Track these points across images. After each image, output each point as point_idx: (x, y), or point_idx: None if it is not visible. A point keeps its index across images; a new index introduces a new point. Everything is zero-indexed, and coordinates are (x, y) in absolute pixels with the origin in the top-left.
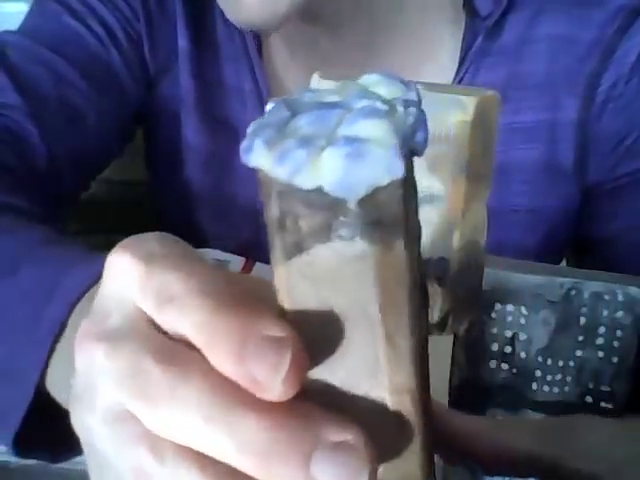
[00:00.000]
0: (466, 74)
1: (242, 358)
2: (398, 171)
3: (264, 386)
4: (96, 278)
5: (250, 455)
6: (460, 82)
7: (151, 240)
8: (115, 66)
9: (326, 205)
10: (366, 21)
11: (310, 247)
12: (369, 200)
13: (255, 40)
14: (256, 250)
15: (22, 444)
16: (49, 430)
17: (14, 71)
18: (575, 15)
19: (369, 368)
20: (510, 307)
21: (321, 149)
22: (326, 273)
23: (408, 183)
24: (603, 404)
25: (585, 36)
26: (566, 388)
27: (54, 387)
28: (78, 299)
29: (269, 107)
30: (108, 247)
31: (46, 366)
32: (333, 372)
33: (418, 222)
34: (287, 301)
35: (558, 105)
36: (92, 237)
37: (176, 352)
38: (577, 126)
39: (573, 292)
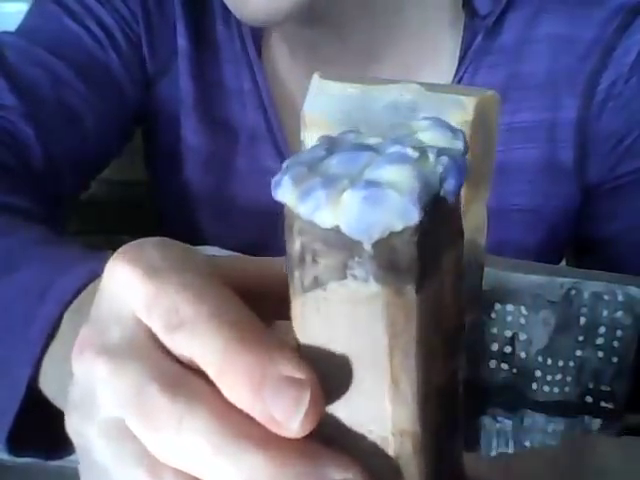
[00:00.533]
0: (465, 74)
1: (260, 396)
2: (412, 217)
3: (281, 425)
4: (91, 277)
5: None
6: (459, 82)
7: (152, 249)
8: (113, 67)
9: (343, 245)
10: (366, 21)
11: (326, 283)
12: (383, 243)
13: (254, 41)
14: (255, 251)
15: (16, 442)
16: (44, 428)
17: (11, 72)
18: (575, 14)
19: (374, 409)
20: (510, 307)
21: (342, 190)
22: (340, 310)
23: (429, 230)
24: (603, 404)
25: (585, 35)
26: (566, 388)
27: (47, 386)
28: (72, 298)
29: (311, 144)
30: (108, 247)
31: (39, 365)
32: (338, 409)
33: (458, 267)
34: (300, 333)
35: (558, 104)
36: (92, 237)
37: (182, 379)
38: (577, 125)
39: (573, 292)
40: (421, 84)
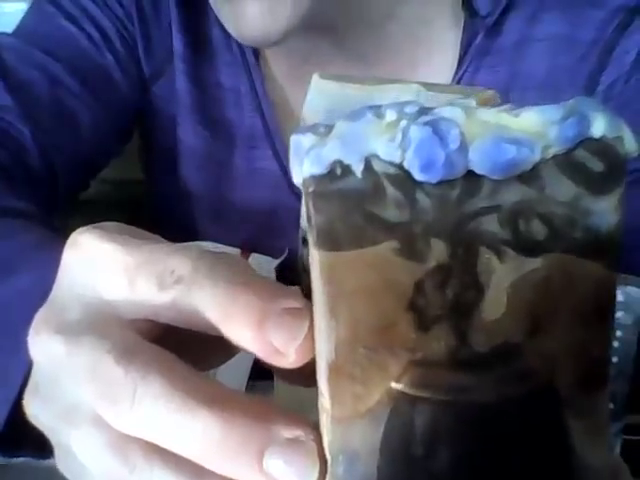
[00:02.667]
0: (465, 73)
1: (262, 328)
2: None
3: (281, 353)
4: None
5: (208, 448)
6: (460, 81)
7: (113, 228)
8: (109, 69)
9: None
10: (365, 26)
11: None
12: None
13: None
14: (252, 251)
15: (9, 443)
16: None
17: (7, 73)
18: (575, 14)
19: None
20: None
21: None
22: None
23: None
24: None
25: (585, 35)
26: None
27: None
28: None
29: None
30: None
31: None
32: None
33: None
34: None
35: None
36: None
37: (137, 348)
38: None
39: None
40: (421, 84)
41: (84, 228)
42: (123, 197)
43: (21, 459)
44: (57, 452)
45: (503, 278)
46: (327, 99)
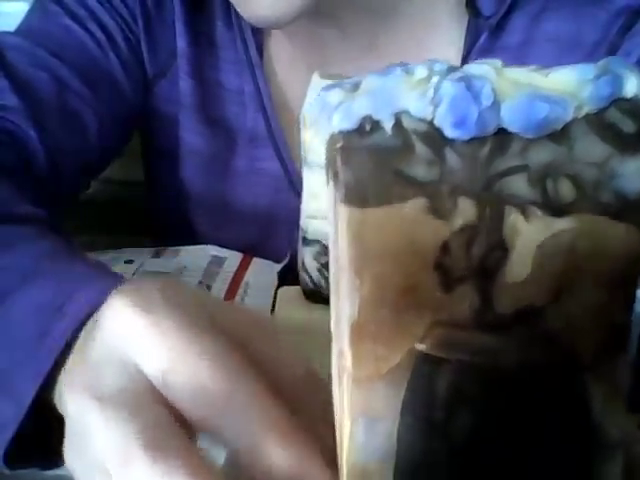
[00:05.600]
0: None
1: None
2: None
3: None
4: (106, 296)
5: None
6: None
7: (155, 294)
8: (113, 69)
9: None
10: (370, 13)
11: None
12: None
13: (256, 43)
14: (253, 251)
15: (14, 456)
16: (44, 439)
17: (13, 73)
18: (579, 15)
19: None
20: None
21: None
22: None
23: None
24: None
25: (589, 36)
26: None
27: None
28: (87, 316)
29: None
30: (108, 247)
31: (48, 381)
32: None
33: None
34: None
35: None
36: (92, 237)
37: (165, 440)
38: None
39: None
40: None
41: (125, 291)
42: (123, 197)
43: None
44: None
45: (529, 239)
46: None
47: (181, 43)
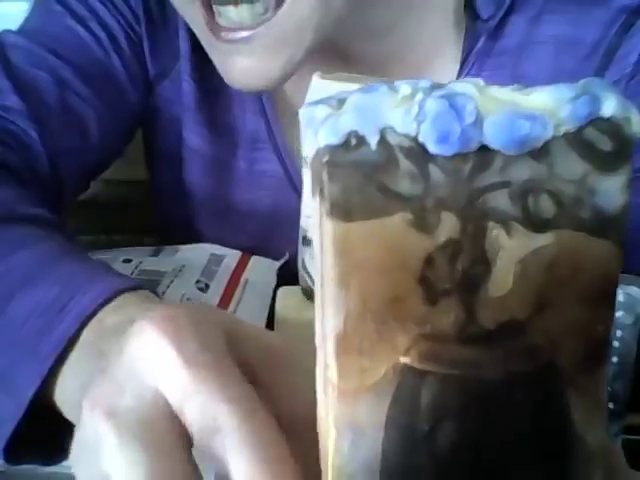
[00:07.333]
0: (468, 76)
1: None
2: None
3: None
4: (108, 296)
5: None
6: None
7: (184, 321)
8: (115, 69)
9: None
10: (367, 36)
11: None
12: None
13: None
14: (256, 252)
15: (13, 451)
16: (43, 436)
17: (15, 73)
18: (577, 15)
19: None
20: None
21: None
22: None
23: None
24: None
25: (588, 36)
26: None
27: (61, 398)
28: (90, 316)
29: None
30: (108, 246)
31: (47, 379)
32: None
33: None
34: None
35: None
36: (92, 237)
37: (176, 471)
38: None
39: None
40: None
41: (158, 311)
42: (123, 197)
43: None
44: None
45: (511, 254)
46: None
47: (184, 45)
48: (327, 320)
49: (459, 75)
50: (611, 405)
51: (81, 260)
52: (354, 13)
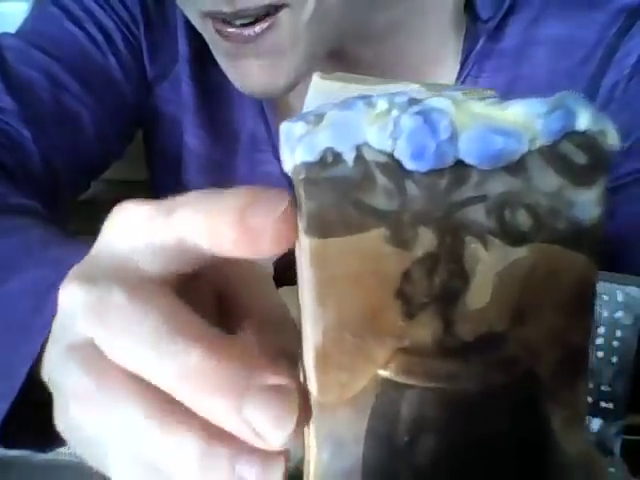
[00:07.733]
0: (467, 77)
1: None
2: None
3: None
4: None
5: (188, 383)
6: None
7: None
8: (112, 69)
9: None
10: (368, 38)
11: None
12: None
13: None
14: None
15: (9, 434)
16: (37, 420)
17: (9, 74)
18: (576, 17)
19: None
20: None
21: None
22: None
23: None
24: (603, 404)
25: (586, 38)
26: None
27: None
28: None
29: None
30: None
31: (39, 359)
32: None
33: None
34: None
35: None
36: (92, 237)
37: (147, 290)
38: None
39: None
40: (421, 84)
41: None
42: (123, 197)
43: (19, 454)
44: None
45: (488, 267)
46: (327, 99)
47: (183, 47)
48: (306, 335)
49: (458, 77)
50: (611, 405)
51: (70, 245)
52: (354, 15)
